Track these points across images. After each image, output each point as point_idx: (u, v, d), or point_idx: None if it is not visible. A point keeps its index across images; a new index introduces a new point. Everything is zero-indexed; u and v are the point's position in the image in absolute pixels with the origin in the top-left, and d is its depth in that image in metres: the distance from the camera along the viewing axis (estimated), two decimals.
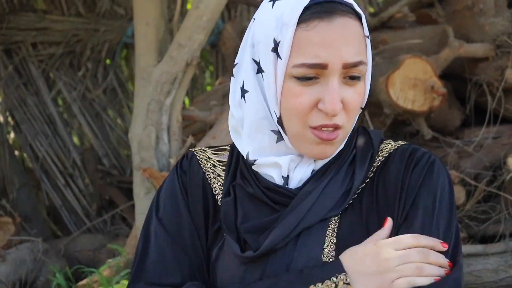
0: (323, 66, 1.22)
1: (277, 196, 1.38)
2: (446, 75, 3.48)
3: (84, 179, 4.97)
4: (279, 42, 1.28)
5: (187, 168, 1.54)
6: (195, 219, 1.51)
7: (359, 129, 1.48)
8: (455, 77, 3.61)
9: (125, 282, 3.16)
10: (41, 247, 3.85)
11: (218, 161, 1.56)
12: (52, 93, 4.85)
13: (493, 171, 3.26)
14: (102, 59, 4.85)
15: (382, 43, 3.72)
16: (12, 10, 4.61)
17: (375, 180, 1.39)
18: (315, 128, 1.26)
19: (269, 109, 1.37)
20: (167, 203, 1.51)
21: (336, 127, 1.27)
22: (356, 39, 1.28)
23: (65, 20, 4.69)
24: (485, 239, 3.16)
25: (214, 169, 1.55)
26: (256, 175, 1.41)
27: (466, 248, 3.13)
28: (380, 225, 1.36)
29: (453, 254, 1.29)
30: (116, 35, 4.76)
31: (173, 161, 3.41)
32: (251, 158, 1.40)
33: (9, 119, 4.85)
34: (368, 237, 1.36)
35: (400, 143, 1.44)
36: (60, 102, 4.93)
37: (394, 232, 1.35)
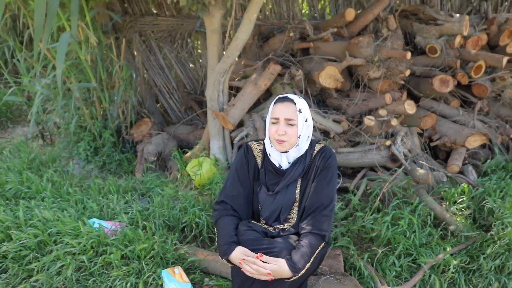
0: (277, 119, 1.97)
1: (279, 171, 2.07)
2: (346, 68, 3.85)
3: (178, 95, 5.13)
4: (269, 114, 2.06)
5: (247, 152, 2.16)
6: (250, 175, 2.14)
7: (311, 141, 2.08)
8: (349, 70, 3.93)
9: (206, 159, 3.76)
10: (165, 136, 4.27)
11: (259, 149, 2.16)
12: (162, 54, 5.01)
13: (360, 117, 3.74)
14: (185, 38, 4.99)
15: (319, 48, 3.95)
16: (142, 15, 4.76)
17: (312, 164, 2.05)
18: (276, 140, 1.98)
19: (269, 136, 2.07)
20: (239, 166, 2.14)
21: (282, 140, 1.96)
22: (291, 111, 1.95)
23: (167, 19, 4.82)
24: (355, 145, 3.70)
25: (258, 154, 2.14)
26: (271, 161, 2.10)
27: (347, 149, 3.71)
28: (314, 190, 2.00)
29: (324, 219, 1.99)
30: (192, 26, 4.83)
31: (225, 106, 3.72)
32: (268, 152, 2.10)
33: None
34: (304, 193, 2.05)
35: (322, 144, 2.11)
36: (166, 58, 5.11)
37: (310, 186, 2.02)
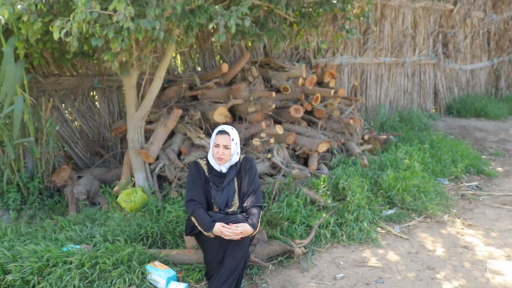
0: (218, 145, 3.02)
1: (221, 174, 3.07)
2: (231, 108, 5.11)
3: (83, 143, 5.62)
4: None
5: (197, 165, 3.09)
6: (202, 180, 3.05)
7: (241, 156, 3.15)
8: (231, 108, 5.02)
9: (136, 189, 4.60)
10: (90, 177, 4.83)
11: (204, 163, 3.12)
12: (65, 109, 5.52)
13: (245, 141, 4.95)
14: (86, 93, 5.63)
15: (205, 94, 5.01)
16: (46, 76, 5.24)
17: (241, 167, 3.12)
18: (217, 158, 3.02)
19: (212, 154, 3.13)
20: (194, 176, 3.05)
21: (221, 158, 2.99)
22: (227, 140, 2.98)
23: (68, 79, 5.42)
24: None
25: (204, 166, 3.09)
26: (214, 169, 3.10)
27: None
28: (246, 183, 3.08)
29: (259, 197, 3.05)
30: (90, 83, 5.53)
31: (145, 145, 4.57)
32: (211, 164, 3.12)
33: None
34: (240, 186, 3.11)
35: (244, 155, 3.13)
36: (69, 112, 5.63)
37: (243, 181, 3.10)
